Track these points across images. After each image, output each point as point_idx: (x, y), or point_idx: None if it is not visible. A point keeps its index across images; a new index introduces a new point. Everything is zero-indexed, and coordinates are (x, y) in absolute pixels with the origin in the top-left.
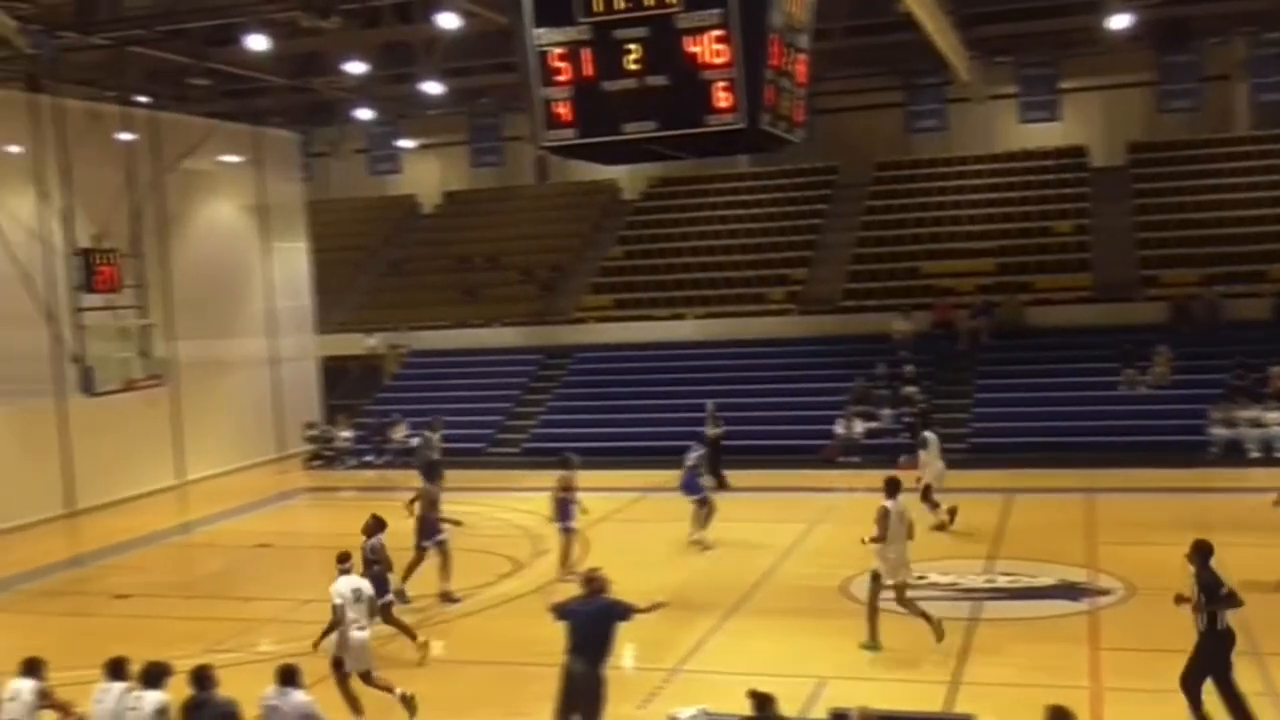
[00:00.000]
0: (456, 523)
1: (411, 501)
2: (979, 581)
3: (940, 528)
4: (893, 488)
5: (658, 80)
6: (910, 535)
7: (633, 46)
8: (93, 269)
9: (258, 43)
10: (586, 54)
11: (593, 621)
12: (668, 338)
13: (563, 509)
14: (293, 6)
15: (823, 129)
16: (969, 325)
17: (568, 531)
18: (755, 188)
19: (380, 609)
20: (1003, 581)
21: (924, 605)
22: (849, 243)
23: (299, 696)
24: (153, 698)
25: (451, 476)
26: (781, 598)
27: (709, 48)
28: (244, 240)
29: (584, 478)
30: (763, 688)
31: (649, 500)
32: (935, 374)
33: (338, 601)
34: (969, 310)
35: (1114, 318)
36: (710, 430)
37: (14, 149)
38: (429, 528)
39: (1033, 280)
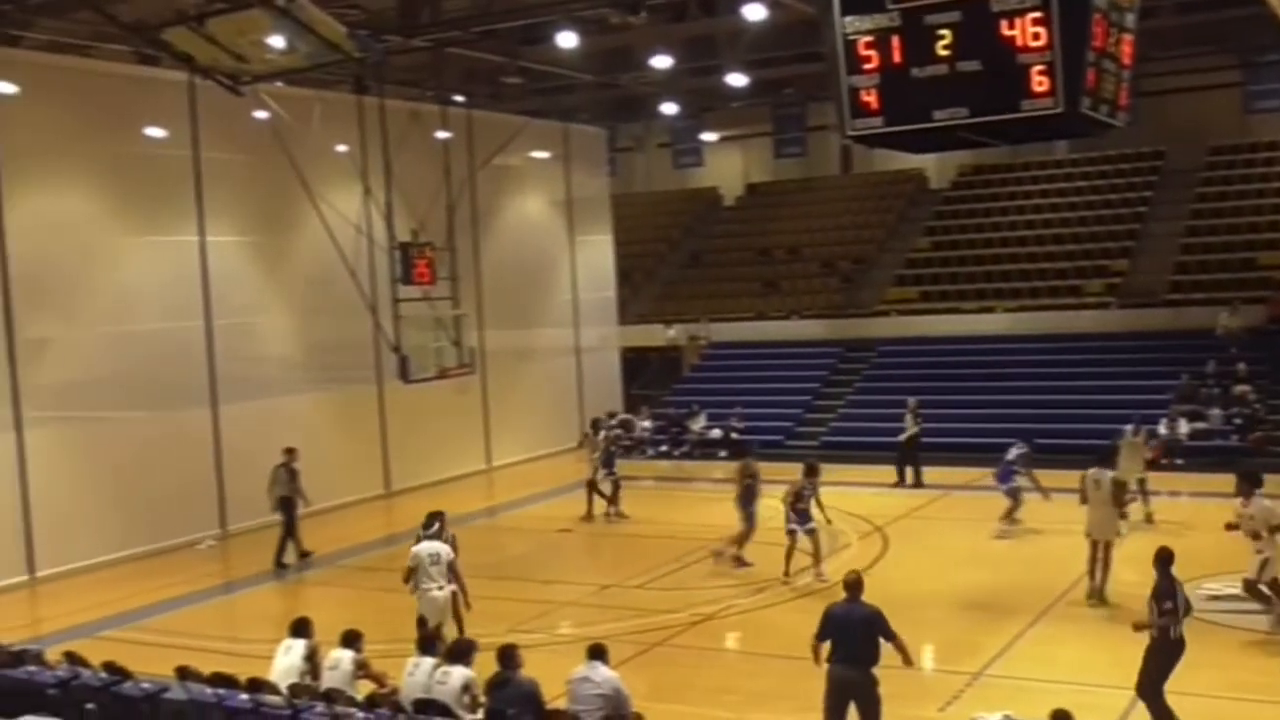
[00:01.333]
0: None
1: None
2: None
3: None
4: (1101, 459)
5: (970, 65)
6: (1115, 503)
7: (944, 32)
8: (411, 262)
9: (567, 40)
10: (895, 41)
11: (856, 630)
12: (976, 331)
13: (797, 511)
14: (603, 3)
15: (1149, 111)
16: None
17: (807, 533)
18: (1074, 174)
19: None
20: None
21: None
22: (1176, 232)
23: (607, 670)
24: (459, 673)
25: None
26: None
27: (1026, 30)
28: (551, 233)
29: (884, 474)
30: (1072, 697)
31: (952, 498)
32: (1272, 372)
33: (410, 564)
34: None
35: None
36: (909, 428)
37: (342, 148)
38: (748, 497)
39: None
